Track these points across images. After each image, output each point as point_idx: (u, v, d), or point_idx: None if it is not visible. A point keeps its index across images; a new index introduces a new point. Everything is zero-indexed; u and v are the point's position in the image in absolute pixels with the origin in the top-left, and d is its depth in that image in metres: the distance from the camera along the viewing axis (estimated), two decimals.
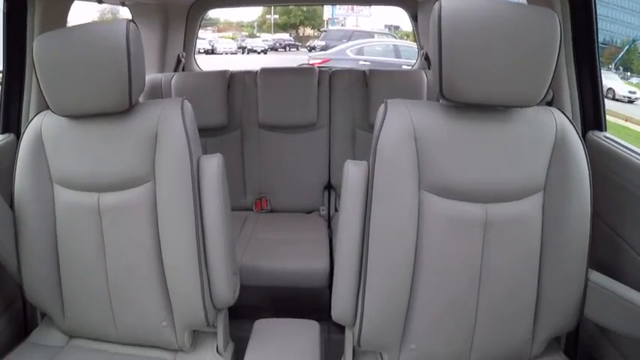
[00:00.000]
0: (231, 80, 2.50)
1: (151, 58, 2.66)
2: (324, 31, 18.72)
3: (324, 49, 12.38)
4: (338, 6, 22.94)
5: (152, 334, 1.35)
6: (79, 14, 2.22)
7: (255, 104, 2.47)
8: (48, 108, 1.30)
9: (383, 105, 1.22)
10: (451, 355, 1.27)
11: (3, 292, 1.48)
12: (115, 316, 1.35)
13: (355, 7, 21.97)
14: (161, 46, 2.76)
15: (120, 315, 1.34)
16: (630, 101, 11.36)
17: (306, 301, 1.96)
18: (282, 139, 2.49)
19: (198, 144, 1.33)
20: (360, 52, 10.37)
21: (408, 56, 9.24)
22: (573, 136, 1.23)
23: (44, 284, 1.36)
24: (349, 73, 2.55)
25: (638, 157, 1.31)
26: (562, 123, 1.23)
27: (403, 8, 3.09)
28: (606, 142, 1.43)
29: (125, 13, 2.59)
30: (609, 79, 11.56)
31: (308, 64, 8.32)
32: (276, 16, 30.99)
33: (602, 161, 1.38)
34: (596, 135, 1.49)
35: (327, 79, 2.51)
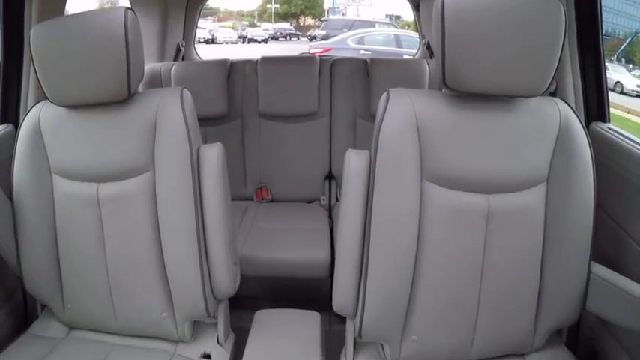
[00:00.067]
0: (231, 69, 2.48)
1: (150, 47, 2.64)
2: (325, 20, 18.65)
3: (324, 38, 12.34)
4: None
5: (152, 325, 1.34)
6: (79, 2, 2.19)
7: (256, 93, 2.46)
8: (46, 98, 1.29)
9: (385, 94, 1.21)
10: (453, 346, 1.26)
11: (3, 284, 1.48)
12: (115, 307, 1.34)
13: None
14: (160, 35, 2.74)
15: (120, 306, 1.34)
16: (638, 95, 11.16)
17: (307, 292, 1.96)
18: (282, 128, 2.47)
19: (198, 133, 1.32)
20: (361, 41, 10.32)
21: (409, 46, 9.21)
22: (577, 127, 1.21)
23: (44, 276, 1.36)
24: (350, 62, 2.53)
25: None
26: (566, 114, 1.22)
27: None
28: (610, 133, 1.42)
29: (124, 1, 2.57)
30: (617, 73, 11.36)
31: (309, 53, 8.29)
32: (277, 6, 30.85)
33: (606, 153, 1.36)
34: (599, 126, 1.47)
35: (328, 68, 2.49)
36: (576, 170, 1.20)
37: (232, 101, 2.46)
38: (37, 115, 1.33)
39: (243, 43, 22.30)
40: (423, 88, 2.36)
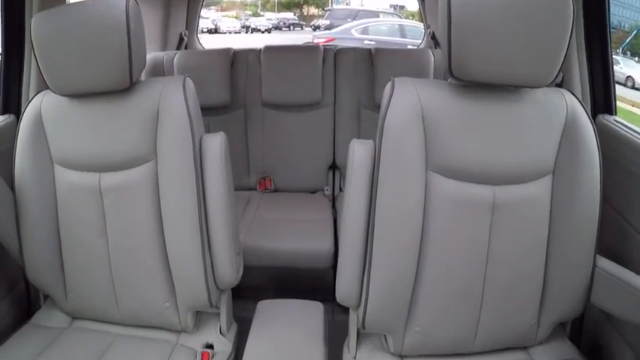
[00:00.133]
0: (234, 58, 2.47)
1: (153, 36, 2.62)
2: (329, 10, 18.53)
3: (328, 28, 12.29)
4: None
5: (155, 315, 1.34)
6: None
7: (259, 83, 2.44)
8: (48, 87, 1.28)
9: (390, 83, 1.20)
10: (456, 338, 1.26)
11: (5, 274, 1.48)
12: (117, 297, 1.34)
13: None
14: (163, 24, 2.73)
15: (122, 296, 1.34)
16: None
17: (310, 282, 1.95)
18: (286, 117, 2.46)
19: (201, 122, 1.31)
20: (365, 31, 10.25)
21: (413, 36, 9.15)
22: (584, 119, 1.20)
23: (46, 266, 1.36)
24: (354, 51, 2.52)
25: None
26: (573, 105, 1.20)
27: None
28: (617, 126, 1.40)
29: None
30: (629, 67, 11.14)
31: (312, 43, 8.24)
32: None
33: (612, 146, 1.35)
34: (606, 119, 1.46)
35: (332, 57, 2.48)
36: (582, 162, 1.19)
37: (235, 90, 2.44)
38: (38, 104, 1.32)
39: (246, 32, 22.17)
40: (428, 78, 2.34)
